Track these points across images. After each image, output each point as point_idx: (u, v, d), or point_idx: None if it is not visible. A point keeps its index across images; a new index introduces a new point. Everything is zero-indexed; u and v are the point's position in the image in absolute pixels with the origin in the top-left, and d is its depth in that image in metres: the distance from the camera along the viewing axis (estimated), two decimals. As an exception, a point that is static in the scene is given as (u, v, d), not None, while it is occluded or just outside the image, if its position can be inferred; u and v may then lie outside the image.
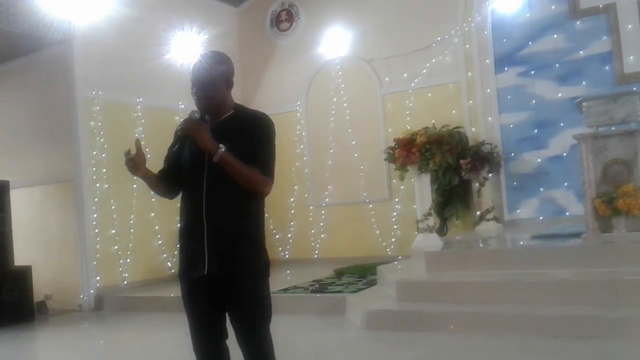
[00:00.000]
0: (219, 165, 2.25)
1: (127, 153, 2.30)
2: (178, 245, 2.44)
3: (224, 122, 2.39)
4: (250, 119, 2.39)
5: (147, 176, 2.38)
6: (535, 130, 7.85)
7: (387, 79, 8.84)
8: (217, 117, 2.39)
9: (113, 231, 7.72)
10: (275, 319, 2.47)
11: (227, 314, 2.38)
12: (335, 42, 9.19)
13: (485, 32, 8.17)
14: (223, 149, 2.23)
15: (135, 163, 2.30)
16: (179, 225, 2.45)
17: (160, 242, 8.28)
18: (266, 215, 2.52)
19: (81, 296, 7.37)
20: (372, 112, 8.95)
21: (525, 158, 7.93)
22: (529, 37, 7.92)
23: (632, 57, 7.30)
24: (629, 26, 7.32)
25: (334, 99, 9.31)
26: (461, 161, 7.42)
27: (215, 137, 2.29)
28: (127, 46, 7.92)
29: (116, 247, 7.75)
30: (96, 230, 7.51)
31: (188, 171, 2.38)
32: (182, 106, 8.67)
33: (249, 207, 2.35)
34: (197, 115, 2.36)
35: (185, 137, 2.34)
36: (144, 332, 6.02)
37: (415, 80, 8.51)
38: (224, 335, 2.40)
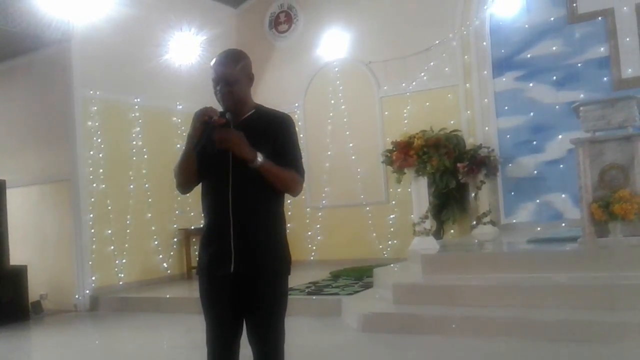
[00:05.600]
0: (258, 171, 2.21)
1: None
2: (201, 244, 2.42)
3: (245, 121, 2.36)
4: (274, 120, 2.38)
5: (193, 156, 2.31)
6: (533, 135, 7.86)
7: (385, 81, 8.85)
8: (239, 115, 2.36)
9: (109, 231, 7.70)
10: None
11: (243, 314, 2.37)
12: (333, 44, 9.18)
13: (483, 36, 8.18)
14: (261, 159, 2.21)
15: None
16: (203, 224, 2.43)
17: (156, 242, 8.26)
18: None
19: (76, 296, 7.35)
20: (370, 114, 8.95)
21: (522, 162, 7.93)
22: (527, 41, 7.93)
23: (629, 62, 7.31)
24: (627, 31, 7.34)
25: (332, 101, 9.31)
26: (458, 164, 7.42)
27: None
28: (125, 46, 7.92)
29: (112, 247, 7.73)
30: (92, 230, 7.49)
31: (212, 170, 2.34)
32: (180, 107, 8.64)
33: (274, 206, 2.36)
34: (227, 118, 2.29)
35: (209, 136, 2.26)
36: (139, 333, 6.01)
37: (413, 83, 8.52)
38: (239, 335, 2.40)
